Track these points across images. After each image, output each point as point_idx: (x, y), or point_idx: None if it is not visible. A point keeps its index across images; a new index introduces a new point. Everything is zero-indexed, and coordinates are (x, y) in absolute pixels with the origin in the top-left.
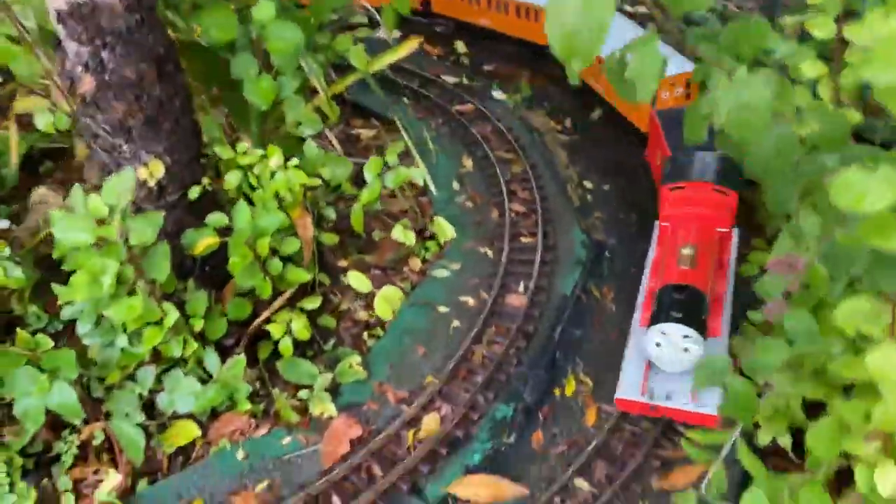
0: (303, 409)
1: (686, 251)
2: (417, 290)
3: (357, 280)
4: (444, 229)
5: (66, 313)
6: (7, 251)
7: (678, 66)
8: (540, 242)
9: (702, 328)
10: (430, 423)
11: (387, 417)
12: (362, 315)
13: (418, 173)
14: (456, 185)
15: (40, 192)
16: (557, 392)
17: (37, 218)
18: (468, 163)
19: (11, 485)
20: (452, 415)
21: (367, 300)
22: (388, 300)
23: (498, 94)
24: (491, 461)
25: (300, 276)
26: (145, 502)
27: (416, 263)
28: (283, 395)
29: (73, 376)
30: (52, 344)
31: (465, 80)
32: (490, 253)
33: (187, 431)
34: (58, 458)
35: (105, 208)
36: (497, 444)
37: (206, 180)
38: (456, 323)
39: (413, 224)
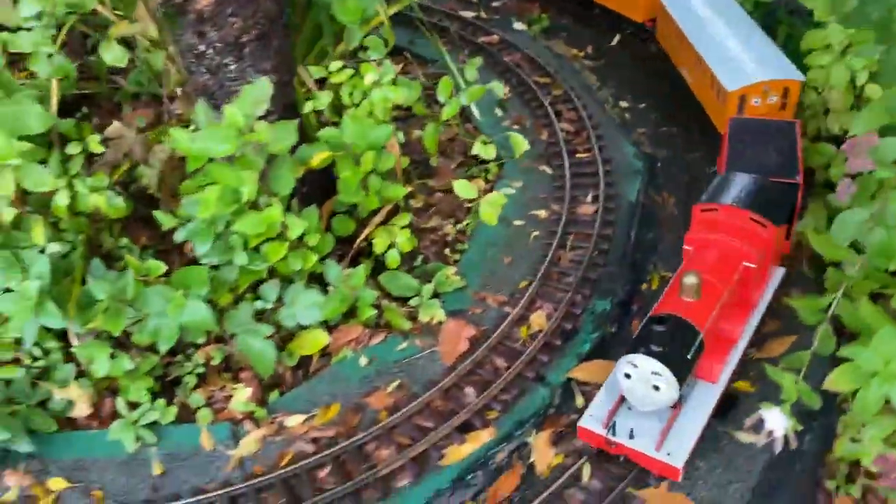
0: (412, 318)
1: (688, 280)
2: None
3: (463, 188)
4: (518, 142)
5: (179, 236)
6: (106, 180)
7: (776, 70)
8: (598, 156)
9: (681, 367)
10: (538, 319)
11: (493, 318)
12: (449, 229)
13: (497, 87)
14: (499, 112)
15: (116, 128)
16: (644, 287)
17: (115, 153)
18: (504, 89)
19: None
20: (556, 312)
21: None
22: (492, 205)
23: (518, 26)
24: (599, 348)
25: (397, 192)
26: (281, 410)
27: (479, 184)
28: (393, 304)
29: (203, 293)
30: (164, 268)
31: (482, 14)
32: (549, 170)
33: (316, 341)
34: (177, 380)
35: (242, 118)
36: (602, 333)
37: (311, 102)
38: (535, 233)
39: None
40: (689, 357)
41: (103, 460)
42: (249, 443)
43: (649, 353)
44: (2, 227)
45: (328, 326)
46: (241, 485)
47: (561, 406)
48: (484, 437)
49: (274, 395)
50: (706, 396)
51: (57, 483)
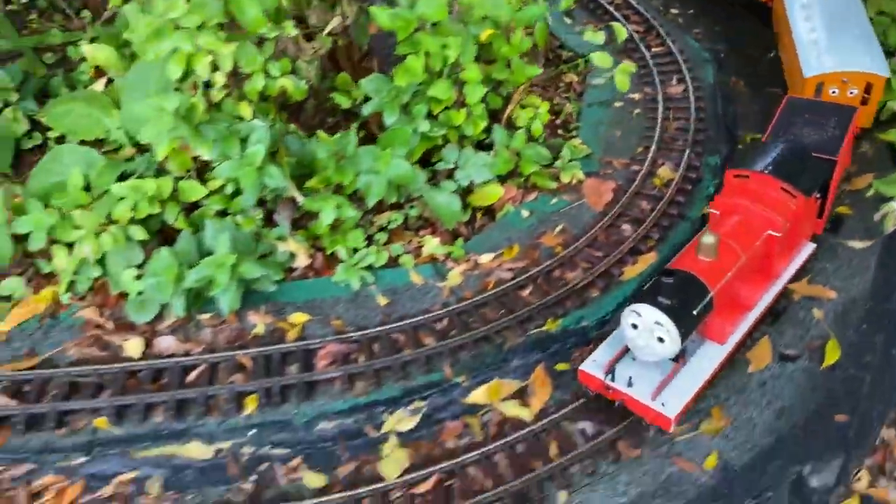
0: (556, 179)
1: (706, 239)
2: (587, 95)
3: (600, 59)
4: (620, 30)
5: (367, 109)
6: (290, 65)
7: (861, 62)
8: (672, 48)
9: (685, 322)
10: (665, 172)
11: (625, 175)
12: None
13: None
14: (567, 20)
15: None
16: (740, 145)
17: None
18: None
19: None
20: (679, 166)
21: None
22: (623, 72)
23: None
24: (719, 191)
25: (533, 71)
26: (470, 252)
27: (571, 77)
28: (538, 167)
29: (405, 152)
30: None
31: None
32: (631, 62)
33: (493, 193)
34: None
35: None
36: (719, 180)
37: None
38: (636, 111)
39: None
40: (694, 313)
41: (332, 299)
42: (454, 276)
43: (655, 304)
44: (214, 106)
45: (487, 182)
46: (461, 304)
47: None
48: (650, 258)
49: (458, 243)
50: (711, 355)
51: (298, 317)
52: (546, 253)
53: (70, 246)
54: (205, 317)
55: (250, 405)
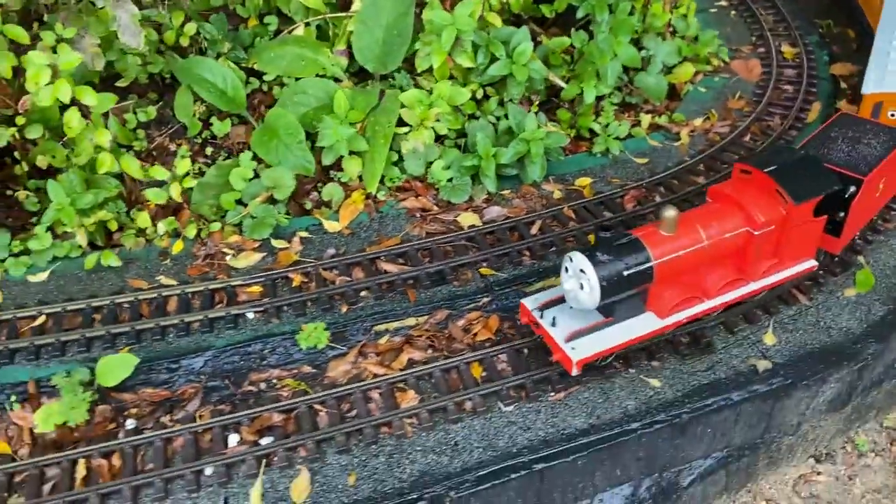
0: (706, 61)
1: (667, 213)
2: None
3: None
4: None
5: (580, 12)
6: None
7: None
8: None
9: (613, 279)
10: (787, 49)
11: (756, 55)
12: None
13: None
14: None
15: None
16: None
17: None
18: None
19: None
20: (794, 45)
21: None
22: None
23: None
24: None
25: None
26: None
27: None
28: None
29: (629, 38)
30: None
31: None
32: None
33: (688, 72)
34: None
35: None
36: (827, 51)
37: None
38: (731, 12)
39: None
40: (625, 273)
41: (598, 167)
42: (684, 136)
43: (585, 253)
44: None
45: (669, 67)
46: (710, 150)
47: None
48: (817, 106)
49: (673, 114)
50: (644, 325)
51: (582, 181)
52: (738, 114)
53: (358, 154)
54: (505, 192)
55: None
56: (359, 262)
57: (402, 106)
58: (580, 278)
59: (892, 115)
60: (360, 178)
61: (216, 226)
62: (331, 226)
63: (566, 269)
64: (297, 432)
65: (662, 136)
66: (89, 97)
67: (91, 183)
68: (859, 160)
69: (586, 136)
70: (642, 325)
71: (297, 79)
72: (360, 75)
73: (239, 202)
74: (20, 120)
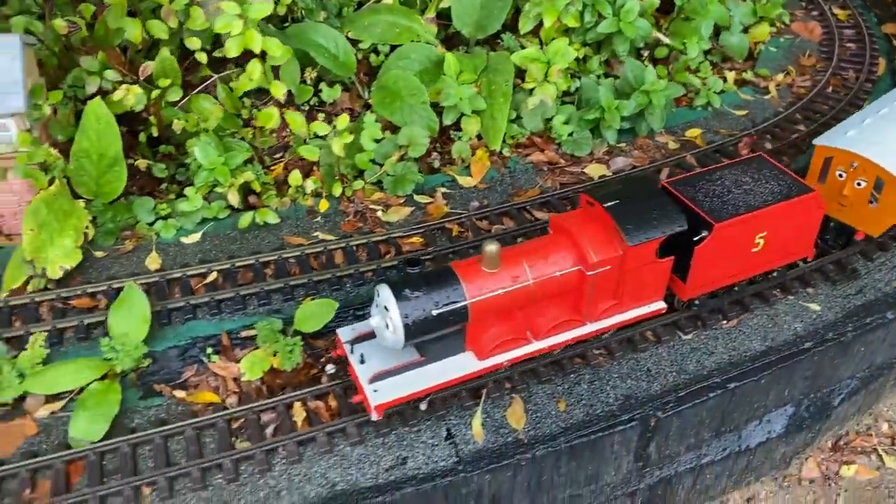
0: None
1: (488, 247)
2: None
3: None
4: None
5: None
6: None
7: (884, 151)
8: None
9: (420, 320)
10: (838, 11)
11: (812, 17)
12: None
13: None
14: None
15: None
16: None
17: None
18: None
19: None
20: (844, 7)
21: None
22: None
23: None
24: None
25: None
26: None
27: None
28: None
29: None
30: None
31: None
32: None
33: (763, 31)
34: None
35: None
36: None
37: None
38: None
39: None
40: (434, 313)
41: (702, 119)
42: (772, 90)
43: (394, 289)
44: None
45: (747, 27)
46: (799, 102)
47: None
48: (883, 63)
49: (757, 70)
50: (461, 366)
51: (693, 132)
52: (812, 70)
53: (477, 113)
54: (621, 144)
55: None
56: (506, 211)
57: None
58: (385, 316)
59: (840, 176)
60: (479, 136)
61: (359, 184)
62: (465, 181)
63: (375, 304)
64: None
65: (752, 91)
66: (274, 47)
67: (226, 147)
68: (730, 206)
69: (681, 91)
70: (458, 366)
71: (392, 46)
72: (448, 42)
73: (372, 161)
74: (164, 82)
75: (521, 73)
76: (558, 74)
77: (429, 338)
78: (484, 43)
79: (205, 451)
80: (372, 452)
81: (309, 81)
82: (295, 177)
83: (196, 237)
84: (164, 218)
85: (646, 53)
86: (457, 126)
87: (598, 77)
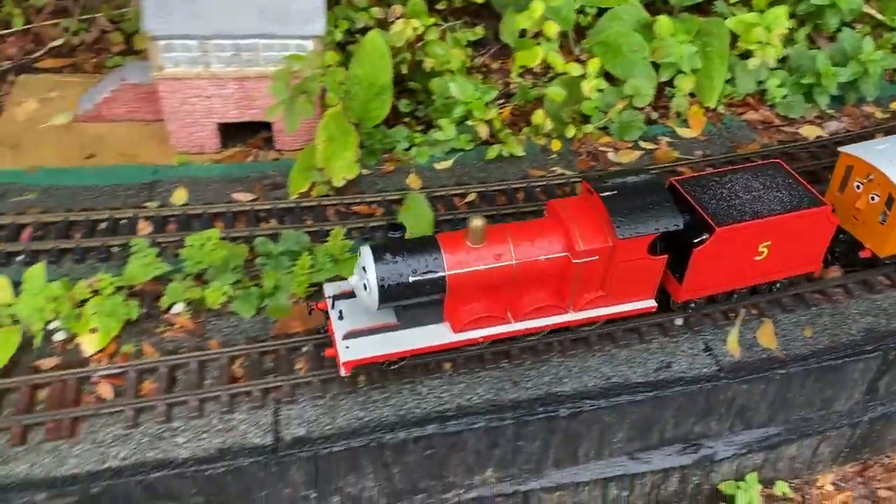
0: None
1: (474, 222)
2: None
3: None
4: None
5: None
6: None
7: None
8: None
9: (396, 284)
10: None
11: None
12: None
13: None
14: None
15: None
16: None
17: None
18: None
19: None
20: None
21: None
22: None
23: None
24: None
25: None
26: None
27: None
28: None
29: None
30: None
31: None
32: None
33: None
34: None
35: None
36: None
37: None
38: None
39: None
40: (410, 280)
41: None
42: None
43: (375, 251)
44: None
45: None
46: None
47: None
48: None
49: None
50: (434, 335)
51: None
52: None
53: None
54: (829, 111)
55: None
56: (731, 160)
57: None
58: (363, 276)
59: (857, 187)
60: (692, 94)
61: (588, 127)
62: (684, 132)
63: (358, 263)
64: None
65: None
66: None
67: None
68: (736, 211)
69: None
70: (432, 335)
71: (599, 9)
72: (648, 8)
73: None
74: (412, 23)
75: (732, 39)
76: (777, 39)
77: (405, 303)
78: (688, 10)
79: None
80: (637, 356)
81: (528, 36)
82: (538, 116)
83: (447, 164)
84: (417, 145)
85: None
86: (669, 83)
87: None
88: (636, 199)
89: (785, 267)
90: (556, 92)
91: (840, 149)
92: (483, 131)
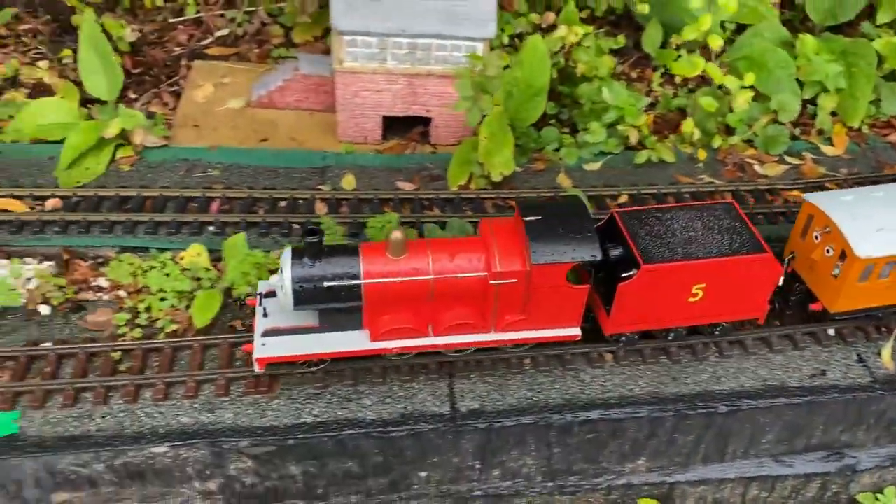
0: None
1: (393, 236)
2: None
3: None
4: None
5: None
6: None
7: (857, 225)
8: None
9: (311, 288)
10: None
11: None
12: None
13: None
14: None
15: None
16: None
17: None
18: None
19: None
20: None
21: None
22: None
23: None
24: None
25: None
26: None
27: None
28: None
29: None
30: None
31: None
32: None
33: None
34: None
35: None
36: None
37: None
38: None
39: None
40: (325, 286)
41: None
42: None
43: (295, 254)
44: None
45: None
46: None
47: None
48: None
49: None
50: (351, 342)
51: None
52: None
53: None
54: None
55: None
56: (877, 179)
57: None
58: (282, 278)
59: (816, 237)
60: (833, 112)
61: (735, 139)
62: (828, 150)
63: (280, 264)
64: None
65: None
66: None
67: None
68: (668, 249)
69: None
70: (349, 341)
71: (738, 25)
72: (785, 25)
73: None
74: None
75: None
76: None
77: (323, 307)
78: (830, 30)
79: None
80: (792, 361)
81: (675, 45)
82: (688, 124)
83: (595, 166)
84: (565, 146)
85: None
86: (812, 101)
87: None
88: (559, 226)
89: (724, 311)
90: (708, 102)
91: (804, 196)
92: (633, 136)
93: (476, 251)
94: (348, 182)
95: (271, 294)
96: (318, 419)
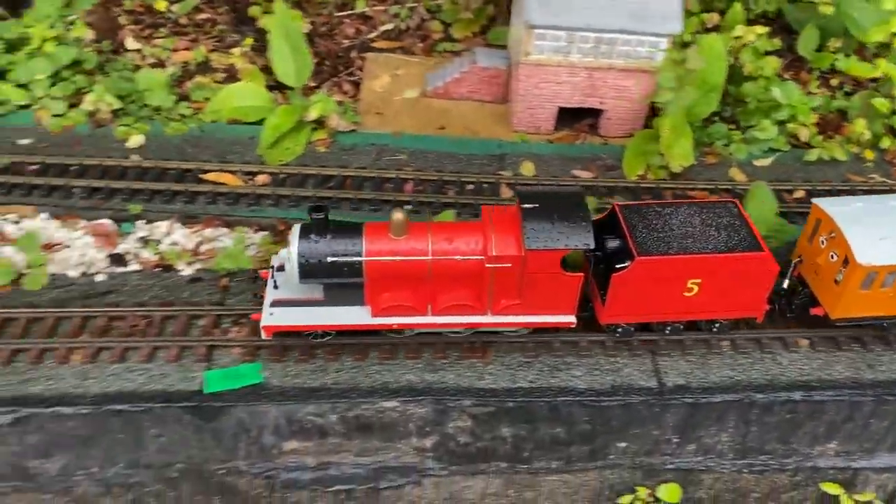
0: None
1: (395, 215)
2: None
3: None
4: None
5: None
6: None
7: (861, 232)
8: None
9: (314, 262)
10: None
11: None
12: None
13: None
14: None
15: None
16: None
17: None
18: None
19: None
20: None
21: None
22: None
23: None
24: None
25: None
26: None
27: None
28: None
29: None
30: None
31: None
32: None
33: None
34: None
35: None
36: None
37: None
38: None
39: None
40: (329, 261)
41: None
42: None
43: (303, 230)
44: None
45: None
46: None
47: None
48: None
49: None
50: (351, 316)
51: None
52: None
53: None
54: None
55: None
56: None
57: None
58: (289, 252)
59: (822, 242)
60: None
61: None
62: None
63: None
64: None
65: None
66: None
67: None
68: (663, 243)
69: None
70: (351, 316)
71: None
72: None
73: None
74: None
75: None
76: None
77: (326, 282)
78: None
79: None
80: (828, 360)
81: (832, 48)
82: (859, 124)
83: (766, 161)
84: (734, 142)
85: None
86: None
87: None
88: (554, 214)
89: (720, 307)
90: (881, 103)
91: (813, 200)
92: (804, 134)
93: (474, 235)
94: (527, 169)
95: (283, 268)
96: (533, 385)
